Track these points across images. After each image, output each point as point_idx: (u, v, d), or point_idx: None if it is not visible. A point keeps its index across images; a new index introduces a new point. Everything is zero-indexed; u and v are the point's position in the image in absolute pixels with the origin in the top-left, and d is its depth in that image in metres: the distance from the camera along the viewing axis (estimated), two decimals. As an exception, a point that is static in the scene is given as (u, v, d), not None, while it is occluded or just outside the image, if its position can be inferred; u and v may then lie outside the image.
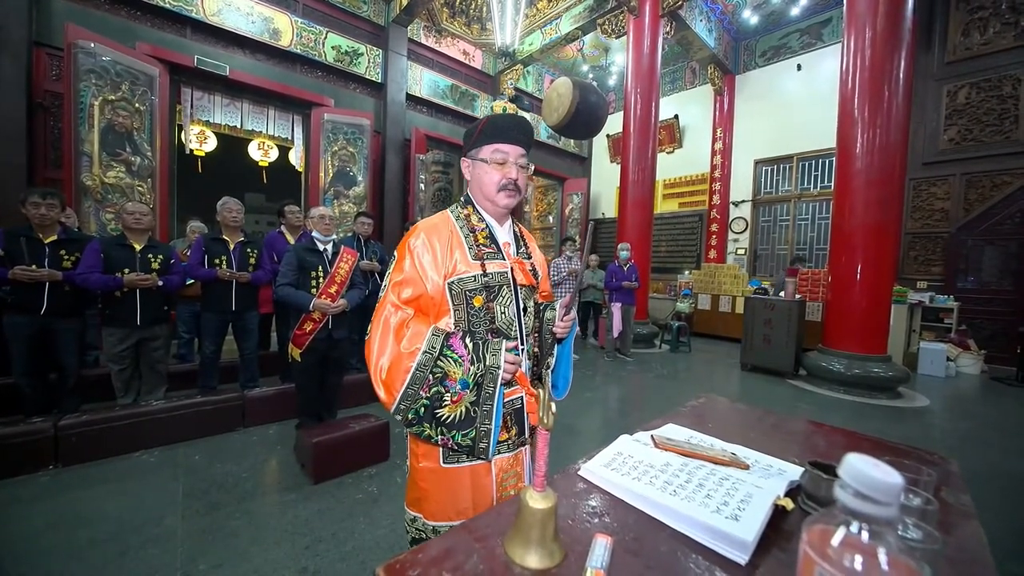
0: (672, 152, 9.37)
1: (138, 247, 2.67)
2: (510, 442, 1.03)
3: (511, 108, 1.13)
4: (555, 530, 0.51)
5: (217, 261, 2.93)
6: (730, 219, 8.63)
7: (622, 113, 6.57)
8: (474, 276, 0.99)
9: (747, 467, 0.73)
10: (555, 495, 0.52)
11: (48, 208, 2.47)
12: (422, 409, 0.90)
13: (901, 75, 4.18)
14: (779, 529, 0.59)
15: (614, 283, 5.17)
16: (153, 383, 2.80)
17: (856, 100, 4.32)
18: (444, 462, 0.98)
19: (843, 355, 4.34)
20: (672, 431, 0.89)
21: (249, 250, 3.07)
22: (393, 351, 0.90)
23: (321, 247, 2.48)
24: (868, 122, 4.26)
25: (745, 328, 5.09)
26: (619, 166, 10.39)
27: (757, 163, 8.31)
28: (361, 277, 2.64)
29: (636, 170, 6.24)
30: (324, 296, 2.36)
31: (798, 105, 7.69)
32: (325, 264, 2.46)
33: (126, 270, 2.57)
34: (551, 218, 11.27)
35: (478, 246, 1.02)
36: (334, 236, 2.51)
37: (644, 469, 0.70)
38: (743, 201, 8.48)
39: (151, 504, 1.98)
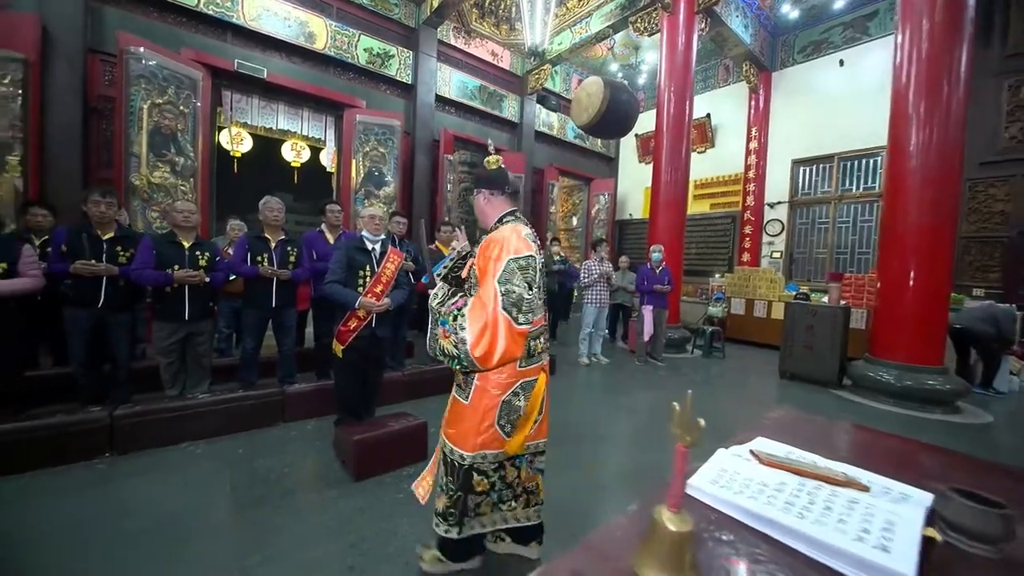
0: (704, 152, 9.13)
1: (186, 244, 2.75)
2: None
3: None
4: (693, 558, 0.46)
5: (259, 259, 2.99)
6: (765, 221, 8.34)
7: (654, 112, 6.44)
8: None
9: (867, 489, 0.66)
10: (692, 518, 0.46)
11: (107, 206, 2.57)
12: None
13: (962, 69, 3.93)
14: (931, 563, 0.52)
15: (646, 286, 5.05)
16: (198, 376, 2.87)
17: (911, 95, 4.09)
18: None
19: (893, 365, 4.10)
20: (768, 445, 0.83)
21: (289, 248, 3.11)
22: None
23: (370, 246, 2.50)
24: (924, 119, 4.02)
25: (785, 334, 4.88)
26: (648, 166, 10.30)
27: (795, 163, 8.00)
28: (405, 278, 2.64)
29: (669, 170, 6.09)
30: (370, 295, 2.36)
31: (840, 103, 7.37)
32: (373, 263, 2.47)
33: (176, 267, 2.65)
34: (575, 219, 11.17)
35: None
36: (382, 236, 2.51)
37: (758, 488, 0.64)
38: (779, 202, 8.18)
39: (200, 496, 2.02)
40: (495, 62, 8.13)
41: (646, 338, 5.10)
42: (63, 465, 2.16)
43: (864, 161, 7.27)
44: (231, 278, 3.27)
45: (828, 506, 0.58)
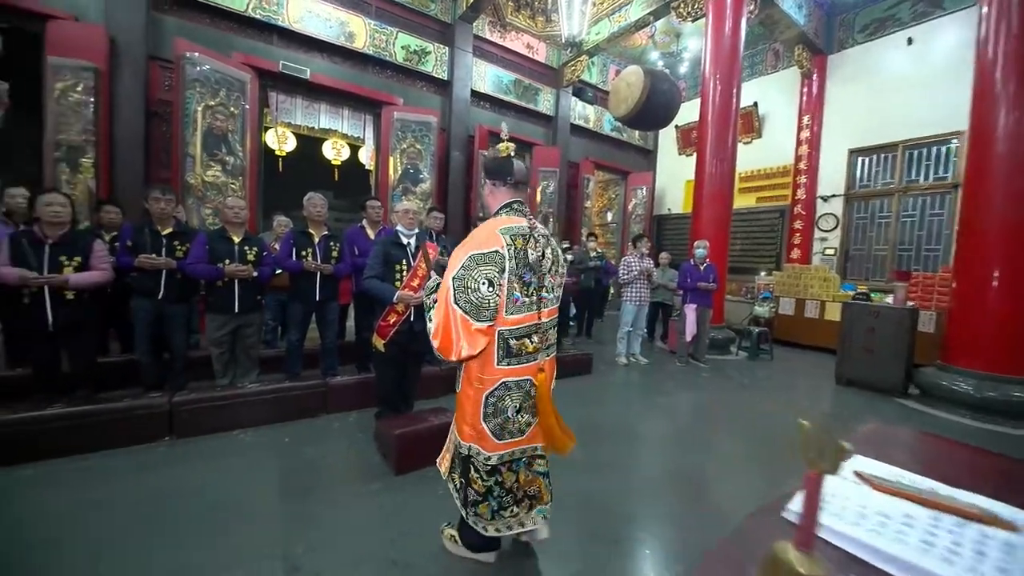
0: (750, 142, 8.65)
1: (236, 240, 2.85)
2: None
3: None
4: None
5: (304, 253, 3.06)
6: (817, 216, 7.81)
7: (697, 101, 6.14)
8: None
9: (1013, 528, 0.55)
10: (827, 564, 0.38)
11: (166, 203, 2.70)
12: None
13: (1062, 40, 3.47)
14: None
15: (689, 283, 4.83)
16: (247, 366, 2.99)
17: (998, 73, 3.66)
18: None
19: (972, 374, 3.71)
20: (872, 466, 0.72)
21: (332, 244, 3.18)
22: None
23: (405, 240, 2.50)
24: (1013, 100, 3.59)
25: (842, 337, 4.54)
26: (689, 158, 9.90)
27: (852, 152, 7.43)
28: (442, 272, 2.63)
29: (714, 161, 5.79)
30: (407, 289, 2.36)
31: (906, 85, 6.75)
32: (409, 257, 2.47)
33: (227, 261, 2.76)
34: (610, 215, 10.90)
35: None
36: (417, 230, 2.50)
37: (878, 520, 0.54)
38: (833, 195, 7.63)
39: (249, 483, 2.08)
40: (530, 55, 8.02)
41: (688, 338, 4.88)
42: (128, 446, 2.30)
43: (934, 149, 6.64)
44: (277, 272, 3.38)
45: (980, 551, 0.48)
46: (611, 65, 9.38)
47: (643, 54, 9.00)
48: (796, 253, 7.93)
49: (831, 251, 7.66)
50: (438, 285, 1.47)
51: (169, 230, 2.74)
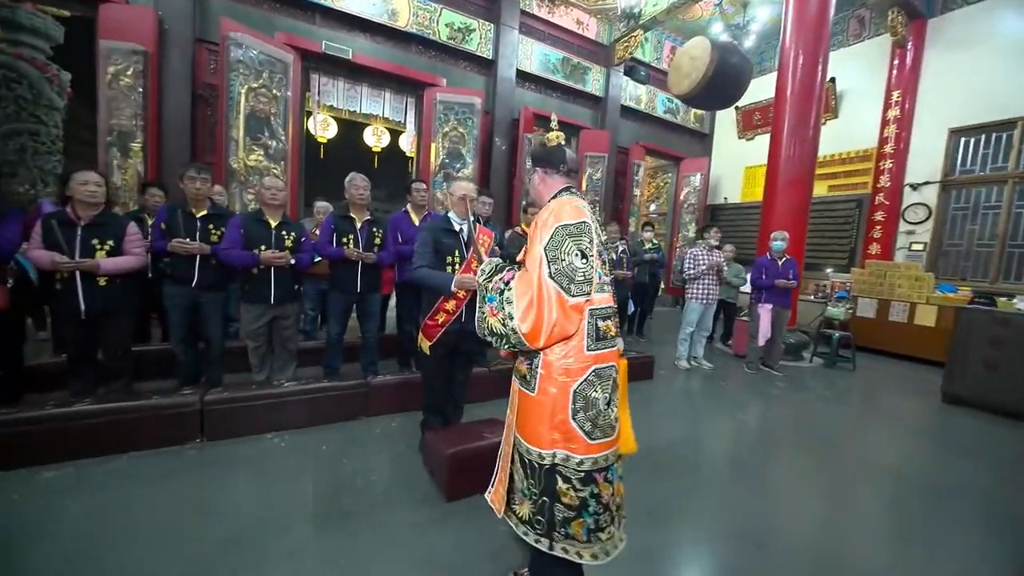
0: (824, 124, 7.71)
1: (273, 224, 2.62)
2: None
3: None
4: None
5: (345, 240, 2.80)
6: (904, 206, 6.87)
7: (775, 75, 5.44)
8: None
9: None
10: None
11: (202, 183, 2.49)
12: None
13: None
14: None
15: (765, 280, 4.25)
16: (284, 360, 2.78)
17: None
18: None
19: None
20: None
21: (375, 230, 2.90)
22: None
23: (457, 227, 2.15)
24: None
25: (954, 348, 3.84)
26: (749, 143, 9.07)
27: (953, 133, 6.44)
28: None
29: (792, 144, 5.11)
30: (467, 272, 2.04)
31: (1029, 52, 5.71)
32: (461, 247, 2.14)
33: (262, 247, 2.53)
34: (654, 205, 10.22)
35: None
36: (471, 217, 2.17)
37: None
38: (926, 183, 6.68)
39: (284, 501, 1.83)
40: (580, 31, 7.47)
41: (762, 342, 4.32)
42: (157, 448, 2.12)
43: (991, 136, 5.63)
44: (316, 260, 3.16)
45: None
46: (666, 41, 8.66)
47: (705, 27, 8.22)
48: (875, 248, 7.05)
49: (919, 246, 6.74)
50: (498, 267, 1.34)
51: (204, 212, 2.53)
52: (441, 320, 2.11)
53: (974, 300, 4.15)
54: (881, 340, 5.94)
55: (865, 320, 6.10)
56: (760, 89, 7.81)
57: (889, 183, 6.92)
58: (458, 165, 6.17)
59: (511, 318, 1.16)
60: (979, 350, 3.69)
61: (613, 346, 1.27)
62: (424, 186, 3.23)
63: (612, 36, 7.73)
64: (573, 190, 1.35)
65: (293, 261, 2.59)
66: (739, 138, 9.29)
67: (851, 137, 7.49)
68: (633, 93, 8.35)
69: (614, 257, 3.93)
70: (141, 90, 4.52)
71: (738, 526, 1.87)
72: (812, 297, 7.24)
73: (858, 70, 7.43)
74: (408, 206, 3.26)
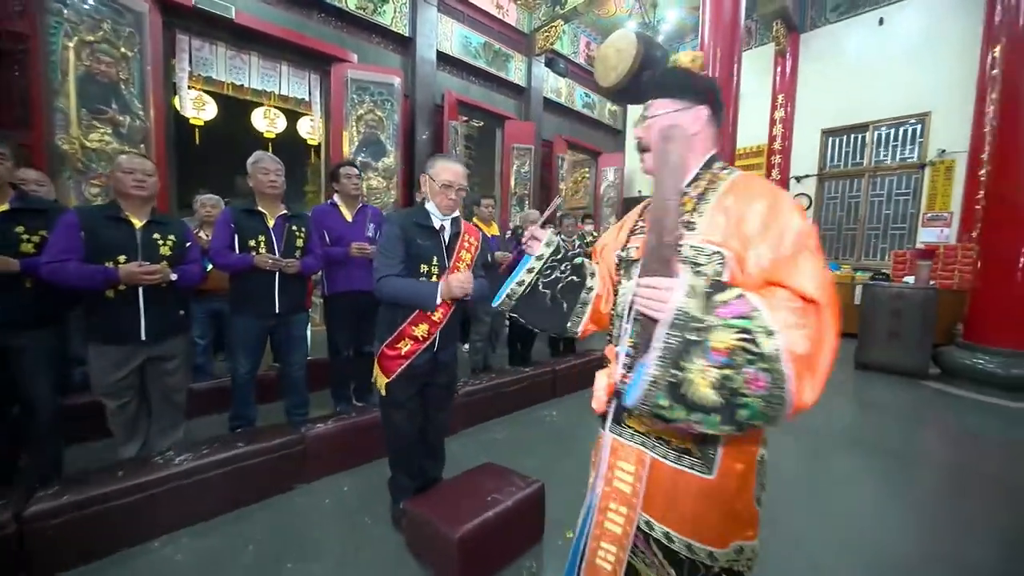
0: (724, 122, 8.45)
1: (138, 223, 1.78)
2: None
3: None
4: None
5: (253, 243, 2.05)
6: (792, 196, 7.78)
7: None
8: (620, 254, 0.97)
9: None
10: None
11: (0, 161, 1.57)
12: None
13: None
14: None
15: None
16: (167, 420, 1.94)
17: (1033, 35, 3.46)
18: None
19: (999, 352, 3.61)
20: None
21: (295, 228, 2.18)
22: None
23: (438, 223, 1.61)
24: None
25: (863, 321, 4.30)
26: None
27: (824, 133, 7.44)
28: (483, 270, 1.78)
29: (715, 136, 5.35)
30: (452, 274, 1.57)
31: (876, 66, 6.79)
32: (442, 251, 1.61)
33: (121, 258, 1.69)
34: (576, 197, 10.38)
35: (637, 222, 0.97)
36: (456, 213, 1.64)
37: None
38: (807, 176, 7.65)
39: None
40: (500, 16, 7.10)
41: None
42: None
43: (903, 129, 6.76)
44: (208, 269, 2.32)
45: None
46: (582, 36, 8.72)
47: (617, 25, 8.42)
48: (771, 235, 7.90)
49: (804, 232, 7.70)
50: (571, 254, 1.06)
51: (4, 207, 1.61)
52: (405, 349, 1.56)
53: (875, 278, 4.73)
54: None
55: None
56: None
57: (779, 176, 7.78)
58: (377, 154, 5.40)
59: (785, 380, 0.66)
60: (883, 321, 4.17)
61: None
62: (356, 170, 2.56)
63: (532, 25, 7.51)
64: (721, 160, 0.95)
65: (175, 276, 1.79)
66: (650, 135, 9.79)
67: (747, 134, 8.26)
68: (554, 85, 8.25)
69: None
70: None
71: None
72: (726, 282, 7.88)
73: (749, 74, 8.20)
74: (336, 196, 2.57)
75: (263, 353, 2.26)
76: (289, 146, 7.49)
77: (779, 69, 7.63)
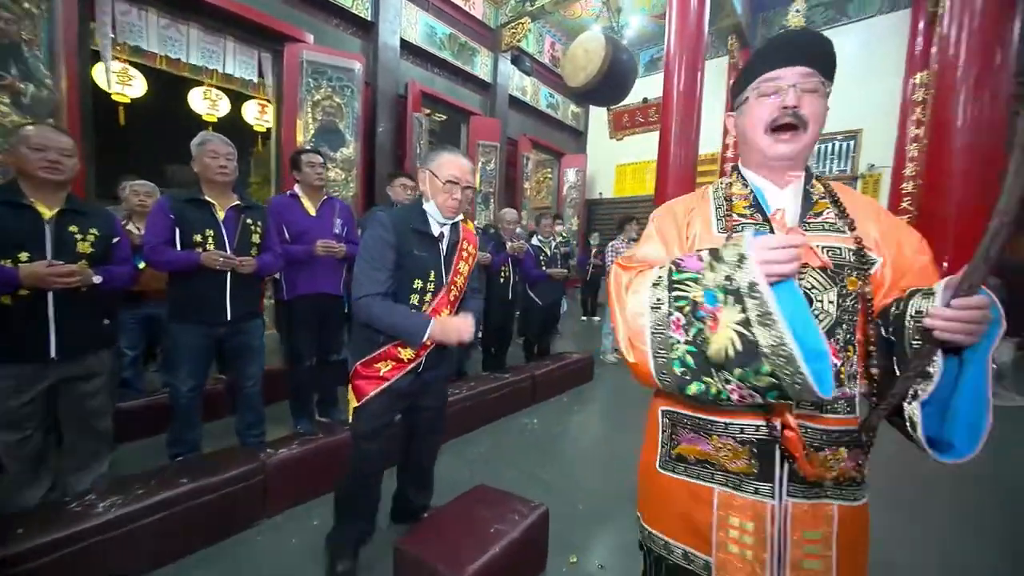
0: (682, 129, 8.76)
1: (48, 213, 1.44)
2: (743, 479, 0.71)
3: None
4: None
5: (199, 238, 1.74)
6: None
7: (645, 81, 5.81)
8: None
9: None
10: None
11: None
12: (689, 357, 0.63)
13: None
14: None
15: (675, 271, 4.41)
16: (87, 453, 1.59)
17: (959, 72, 3.80)
18: (660, 467, 0.80)
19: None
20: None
21: (250, 222, 1.89)
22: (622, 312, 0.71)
23: (437, 229, 1.37)
24: (972, 92, 3.78)
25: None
26: (619, 143, 9.79)
27: (772, 144, 7.93)
28: (477, 281, 1.58)
29: (679, 144, 5.52)
30: (436, 315, 1.33)
31: (819, 83, 7.31)
32: (440, 263, 1.37)
33: (23, 255, 1.35)
34: (539, 195, 10.39)
35: (729, 216, 0.77)
36: (460, 216, 1.41)
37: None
38: (756, 184, 8.12)
39: None
40: (466, 7, 6.88)
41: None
42: None
43: (838, 144, 7.36)
44: (140, 267, 1.96)
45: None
46: (547, 36, 8.69)
47: (582, 27, 8.47)
48: (724, 238, 8.33)
49: (754, 235, 8.18)
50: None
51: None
52: (385, 370, 1.34)
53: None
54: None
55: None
56: (631, 93, 8.48)
57: (731, 183, 8.22)
58: (336, 144, 5.02)
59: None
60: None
61: None
62: (320, 158, 2.27)
63: (499, 20, 7.36)
64: None
65: (98, 279, 1.46)
66: (610, 138, 9.96)
67: (704, 141, 8.63)
68: (519, 84, 8.15)
69: (548, 253, 3.56)
70: None
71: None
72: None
73: (706, 84, 8.58)
74: (297, 186, 2.28)
75: (210, 367, 1.95)
76: (233, 132, 6.74)
77: (731, 81, 8.02)
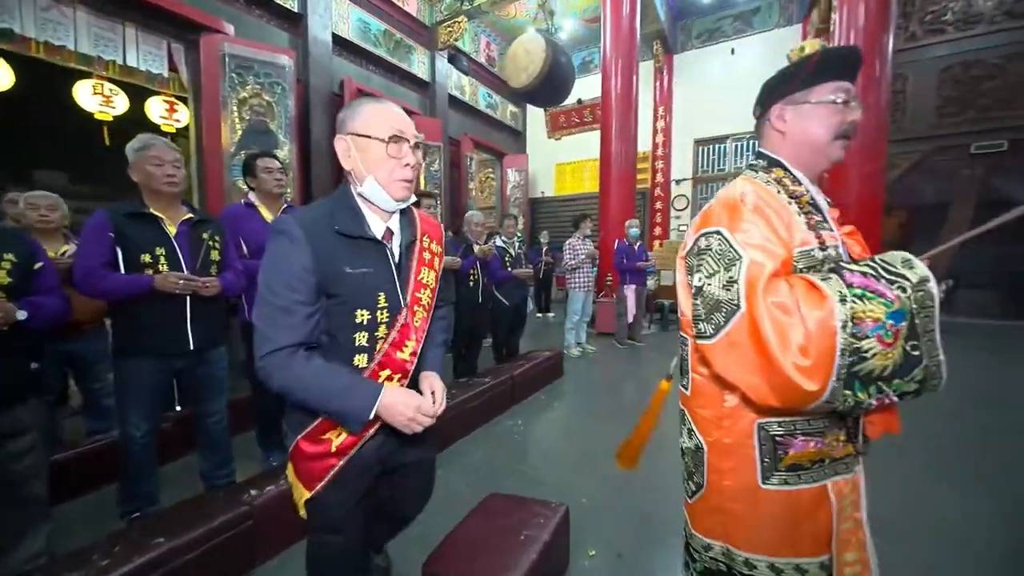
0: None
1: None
2: (847, 460, 0.79)
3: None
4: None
5: (148, 259, 1.49)
6: (672, 197, 8.89)
7: (599, 80, 6.06)
8: (811, 251, 0.74)
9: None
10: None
11: None
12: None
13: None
14: None
15: (627, 264, 4.64)
16: (18, 526, 1.31)
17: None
18: (764, 484, 0.76)
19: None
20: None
21: (207, 236, 1.66)
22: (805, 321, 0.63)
23: (380, 228, 0.96)
24: (859, 99, 4.41)
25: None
26: (557, 143, 10.07)
27: (696, 142, 8.63)
28: (444, 291, 1.15)
29: (620, 143, 5.81)
30: (391, 368, 0.95)
31: (731, 88, 8.09)
32: (391, 275, 0.96)
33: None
34: (482, 195, 10.38)
35: (806, 214, 0.78)
36: (413, 197, 0.98)
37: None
38: (684, 179, 8.79)
39: None
40: (400, 4, 6.64)
41: (630, 319, 4.74)
42: None
43: (753, 142, 8.19)
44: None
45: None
46: (482, 36, 8.67)
47: (516, 29, 8.56)
48: (658, 231, 8.92)
49: (684, 227, 8.84)
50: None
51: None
52: (339, 442, 0.93)
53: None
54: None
55: (668, 287, 7.62)
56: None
57: (662, 179, 8.81)
58: (268, 146, 4.59)
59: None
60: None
61: None
62: (277, 163, 2.06)
63: (434, 18, 7.20)
64: None
65: (23, 314, 1.20)
66: (548, 138, 10.21)
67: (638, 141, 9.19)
68: (458, 83, 8.06)
69: (512, 254, 3.56)
70: None
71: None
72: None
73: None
74: (252, 195, 2.05)
75: (163, 406, 1.69)
76: (133, 132, 5.97)
77: (658, 84, 8.60)
